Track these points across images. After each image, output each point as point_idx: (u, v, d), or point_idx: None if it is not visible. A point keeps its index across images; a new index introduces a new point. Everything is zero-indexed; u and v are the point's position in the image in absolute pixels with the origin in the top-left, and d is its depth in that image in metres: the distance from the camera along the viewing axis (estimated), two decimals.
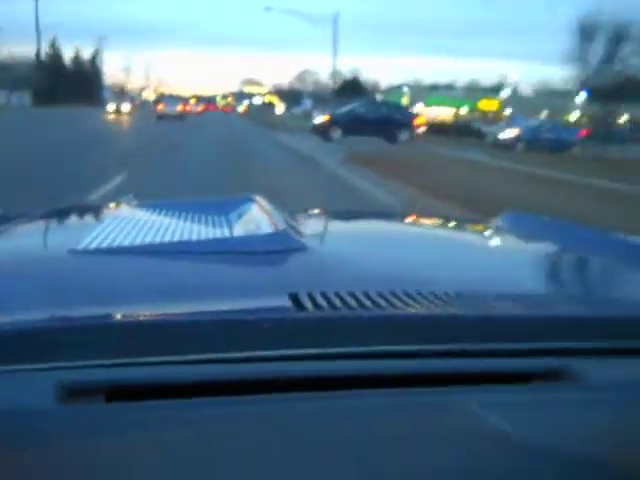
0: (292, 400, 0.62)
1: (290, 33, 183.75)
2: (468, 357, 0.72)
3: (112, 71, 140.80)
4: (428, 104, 58.85)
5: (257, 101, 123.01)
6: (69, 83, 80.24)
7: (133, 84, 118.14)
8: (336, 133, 24.85)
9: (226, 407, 0.60)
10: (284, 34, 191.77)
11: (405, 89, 66.10)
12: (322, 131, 25.41)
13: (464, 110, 58.85)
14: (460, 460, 0.56)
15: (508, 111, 56.11)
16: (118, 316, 0.73)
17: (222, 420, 0.58)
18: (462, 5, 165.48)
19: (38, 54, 74.92)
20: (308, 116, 43.86)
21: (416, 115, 28.48)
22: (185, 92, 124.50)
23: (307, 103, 71.02)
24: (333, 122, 25.29)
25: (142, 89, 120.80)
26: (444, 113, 56.48)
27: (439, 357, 0.71)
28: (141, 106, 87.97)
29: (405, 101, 57.35)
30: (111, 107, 53.25)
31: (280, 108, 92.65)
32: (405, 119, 26.33)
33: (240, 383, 0.63)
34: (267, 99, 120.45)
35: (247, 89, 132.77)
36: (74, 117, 36.95)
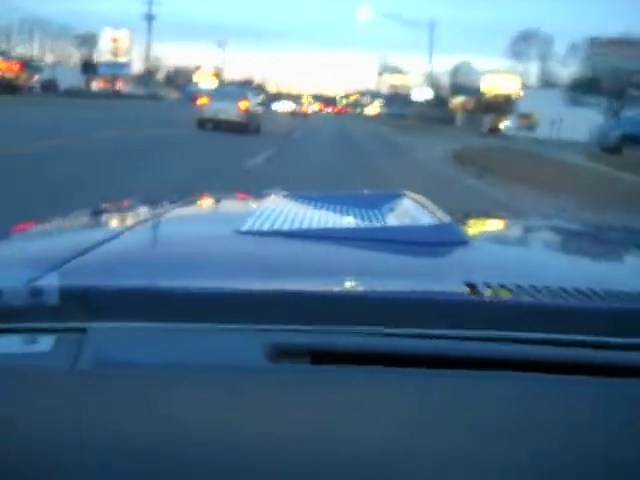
0: (476, 377, 0.63)
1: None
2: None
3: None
4: None
5: (419, 95, 62.99)
6: None
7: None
8: None
9: (414, 377, 0.63)
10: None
11: None
12: None
13: None
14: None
15: None
16: (324, 287, 0.77)
17: (411, 386, 0.61)
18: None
19: None
20: None
21: None
22: (302, 92, 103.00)
23: None
24: None
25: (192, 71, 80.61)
26: None
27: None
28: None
29: None
30: None
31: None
32: None
33: (426, 357, 0.66)
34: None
35: (387, 81, 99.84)
36: None
